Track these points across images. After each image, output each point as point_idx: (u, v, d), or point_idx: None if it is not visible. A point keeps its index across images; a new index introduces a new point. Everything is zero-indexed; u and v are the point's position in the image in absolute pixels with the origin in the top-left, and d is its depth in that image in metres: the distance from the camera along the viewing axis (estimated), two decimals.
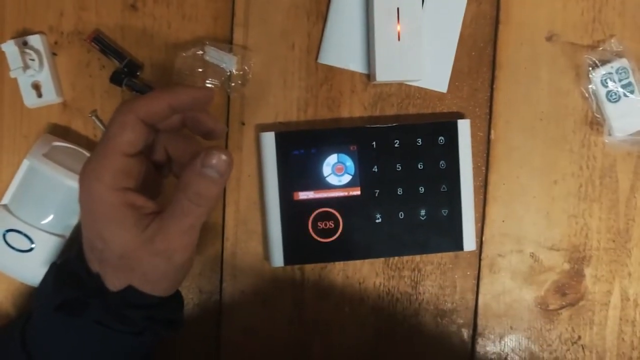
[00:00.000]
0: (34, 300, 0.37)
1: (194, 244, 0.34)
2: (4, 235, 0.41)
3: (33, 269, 0.41)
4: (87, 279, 0.34)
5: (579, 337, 0.47)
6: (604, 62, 0.45)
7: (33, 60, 0.42)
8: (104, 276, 0.34)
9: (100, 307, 0.34)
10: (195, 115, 0.35)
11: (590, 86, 0.45)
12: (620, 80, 0.44)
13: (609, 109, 0.45)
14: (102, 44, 0.43)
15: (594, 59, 0.45)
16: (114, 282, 0.34)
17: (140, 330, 0.35)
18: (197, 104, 0.35)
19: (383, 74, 0.43)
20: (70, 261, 0.36)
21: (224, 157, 0.32)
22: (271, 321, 0.46)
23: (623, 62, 0.44)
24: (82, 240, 0.35)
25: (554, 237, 0.47)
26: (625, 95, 0.45)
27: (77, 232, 0.43)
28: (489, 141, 0.46)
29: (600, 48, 0.45)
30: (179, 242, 0.33)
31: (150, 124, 0.33)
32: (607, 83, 0.45)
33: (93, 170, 0.32)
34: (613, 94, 0.45)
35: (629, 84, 0.44)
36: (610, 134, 0.45)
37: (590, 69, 0.45)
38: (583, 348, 0.47)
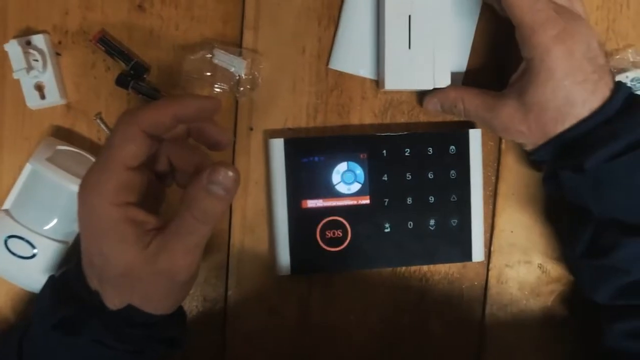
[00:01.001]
0: (32, 313, 0.36)
1: (198, 262, 0.33)
2: (5, 241, 0.40)
3: (35, 275, 0.40)
4: (86, 296, 0.33)
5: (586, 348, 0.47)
6: (619, 71, 0.44)
7: (37, 60, 0.41)
8: (103, 294, 0.33)
9: (98, 325, 0.33)
10: (201, 126, 0.34)
11: None
12: (635, 91, 0.43)
13: None
14: (108, 45, 0.42)
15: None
16: (114, 301, 0.33)
17: (141, 349, 0.34)
18: (203, 114, 0.34)
19: (392, 83, 0.43)
20: (69, 275, 0.35)
21: (230, 173, 0.31)
22: (277, 330, 0.46)
23: (639, 72, 0.44)
24: (81, 256, 0.34)
25: (561, 249, 0.47)
26: None
27: (79, 238, 0.41)
28: (499, 151, 0.46)
29: (617, 57, 0.45)
30: (183, 261, 0.32)
31: (154, 135, 0.32)
32: None
33: (93, 185, 0.31)
34: None
35: None
36: None
37: None
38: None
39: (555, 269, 0.47)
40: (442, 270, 0.46)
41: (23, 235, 0.40)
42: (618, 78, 0.44)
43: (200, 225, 0.32)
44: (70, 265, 0.36)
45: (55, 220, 0.40)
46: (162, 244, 0.32)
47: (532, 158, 0.42)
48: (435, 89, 0.43)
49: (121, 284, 0.32)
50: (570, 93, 0.37)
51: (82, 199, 0.32)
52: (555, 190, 0.42)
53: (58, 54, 0.43)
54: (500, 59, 0.45)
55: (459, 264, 0.46)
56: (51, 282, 0.36)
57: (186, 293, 0.36)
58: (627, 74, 0.44)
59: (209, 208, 0.31)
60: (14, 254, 0.40)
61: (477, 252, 0.45)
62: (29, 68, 0.41)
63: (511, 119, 0.39)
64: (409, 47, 0.43)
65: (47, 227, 0.40)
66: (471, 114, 0.42)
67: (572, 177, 0.39)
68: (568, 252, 0.43)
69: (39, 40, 0.42)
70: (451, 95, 0.42)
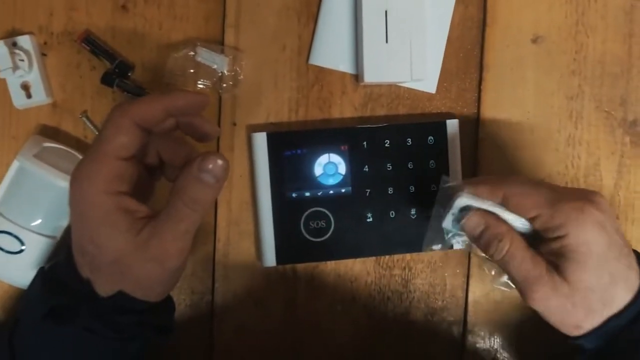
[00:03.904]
0: (21, 305, 0.37)
1: (188, 249, 0.34)
2: None
3: (23, 271, 0.41)
4: (77, 285, 0.34)
5: None
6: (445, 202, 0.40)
7: (22, 60, 0.42)
8: (95, 281, 0.34)
9: (89, 313, 0.34)
10: (189, 119, 0.36)
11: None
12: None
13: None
14: (93, 44, 0.43)
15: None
16: (105, 288, 0.34)
17: (131, 336, 0.35)
18: (192, 108, 0.35)
19: (371, 75, 0.44)
20: (59, 266, 0.36)
21: (220, 161, 0.32)
22: (264, 321, 0.46)
23: (462, 200, 0.38)
24: (72, 245, 0.34)
25: None
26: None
27: (67, 233, 0.42)
28: (477, 140, 0.47)
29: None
30: (173, 247, 0.33)
31: (144, 128, 0.33)
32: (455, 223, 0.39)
33: (86, 174, 0.32)
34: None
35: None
36: None
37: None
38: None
39: None
40: (425, 259, 0.47)
41: (11, 231, 0.40)
42: (450, 214, 0.39)
43: (190, 213, 0.33)
44: (60, 256, 0.36)
45: (42, 216, 0.41)
46: (152, 231, 0.32)
47: (574, 342, 0.37)
48: (483, 211, 0.37)
49: (113, 271, 0.33)
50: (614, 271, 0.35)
51: (74, 187, 0.32)
52: None
53: (44, 54, 0.44)
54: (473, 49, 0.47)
55: (441, 252, 0.47)
56: (41, 273, 0.37)
57: (176, 281, 0.36)
58: (454, 207, 0.38)
59: (199, 195, 0.32)
60: (2, 249, 0.40)
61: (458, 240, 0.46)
62: (15, 68, 0.42)
63: (556, 292, 0.35)
64: (386, 41, 0.44)
65: (35, 223, 0.41)
66: (512, 264, 0.36)
67: None
68: None
69: (24, 41, 0.43)
70: (502, 230, 0.37)
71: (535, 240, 0.37)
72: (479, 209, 0.38)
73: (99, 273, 0.33)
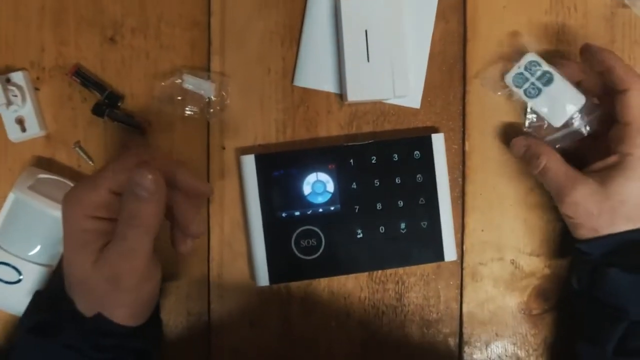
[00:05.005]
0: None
1: (141, 268, 0.34)
2: None
3: (21, 299, 0.41)
4: (64, 304, 0.35)
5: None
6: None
7: (16, 96, 0.43)
8: (76, 301, 0.35)
9: (73, 331, 0.34)
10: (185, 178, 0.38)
11: (508, 89, 0.44)
12: (533, 75, 0.43)
13: (536, 105, 0.44)
14: (83, 77, 0.45)
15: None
16: (85, 308, 0.35)
17: (113, 358, 0.36)
18: (193, 189, 0.39)
19: (354, 94, 0.45)
20: (54, 284, 0.37)
21: (149, 175, 0.33)
22: (259, 340, 0.47)
23: (530, 56, 0.43)
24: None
25: (533, 243, 0.48)
26: (545, 85, 0.43)
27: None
28: (464, 153, 0.48)
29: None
30: (121, 266, 0.33)
31: None
32: (520, 82, 0.43)
33: (75, 197, 0.34)
34: (531, 89, 0.43)
35: (545, 73, 0.43)
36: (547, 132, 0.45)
37: (502, 76, 0.44)
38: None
39: (528, 264, 0.48)
40: (418, 272, 0.48)
41: (9, 262, 0.41)
42: (512, 72, 0.43)
43: (130, 229, 0.33)
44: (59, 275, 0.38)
45: (39, 246, 0.42)
46: (104, 252, 0.33)
47: (580, 247, 0.42)
48: (528, 135, 0.44)
49: (83, 292, 0.34)
50: None
51: (64, 209, 0.34)
52: (584, 284, 0.42)
53: (36, 89, 0.45)
54: (455, 64, 0.47)
55: (433, 265, 0.48)
56: (36, 293, 0.39)
57: (145, 304, 0.37)
58: (519, 63, 0.43)
59: (134, 210, 0.33)
60: (0, 280, 0.41)
61: (449, 252, 0.46)
62: (9, 103, 0.43)
63: (586, 198, 0.40)
64: (368, 60, 0.45)
65: (31, 253, 0.42)
66: (548, 175, 0.42)
67: (622, 277, 0.39)
68: (588, 348, 0.42)
69: (17, 77, 0.44)
70: (540, 149, 0.42)
71: (591, 151, 0.43)
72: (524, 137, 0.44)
73: (74, 293, 0.35)
